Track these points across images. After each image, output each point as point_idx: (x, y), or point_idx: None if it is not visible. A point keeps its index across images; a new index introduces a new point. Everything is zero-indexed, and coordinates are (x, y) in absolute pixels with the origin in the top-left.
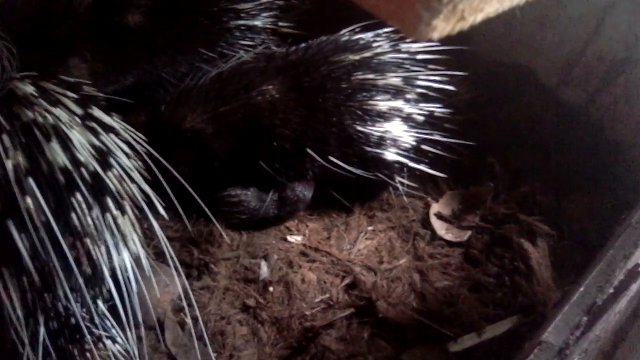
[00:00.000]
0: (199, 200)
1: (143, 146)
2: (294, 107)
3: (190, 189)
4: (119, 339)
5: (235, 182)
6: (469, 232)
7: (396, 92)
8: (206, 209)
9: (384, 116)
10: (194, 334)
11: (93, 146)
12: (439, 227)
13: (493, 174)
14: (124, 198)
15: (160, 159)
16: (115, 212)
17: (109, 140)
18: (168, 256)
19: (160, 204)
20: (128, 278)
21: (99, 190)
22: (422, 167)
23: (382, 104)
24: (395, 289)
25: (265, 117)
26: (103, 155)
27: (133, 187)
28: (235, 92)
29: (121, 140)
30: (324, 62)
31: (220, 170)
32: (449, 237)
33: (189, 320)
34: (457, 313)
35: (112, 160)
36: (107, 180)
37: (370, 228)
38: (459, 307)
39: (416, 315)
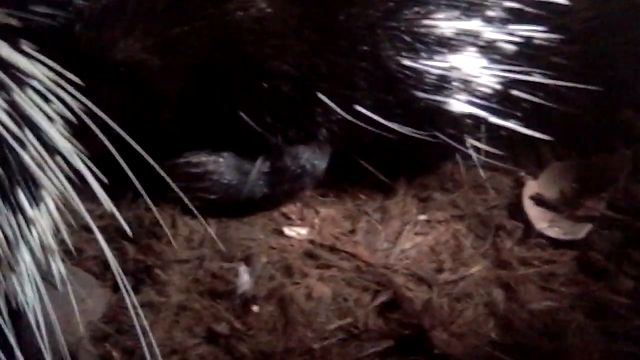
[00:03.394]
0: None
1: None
2: (297, 28)
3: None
4: None
5: (199, 144)
6: (589, 227)
7: (469, 7)
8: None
9: (449, 44)
10: None
11: None
12: (538, 217)
13: (630, 136)
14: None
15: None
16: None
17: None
18: (109, 255)
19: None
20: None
21: None
22: (511, 124)
23: (446, 25)
24: (463, 312)
25: (249, 44)
26: None
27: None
28: (198, 5)
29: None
30: None
31: (174, 125)
32: (554, 233)
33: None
34: (565, 350)
35: None
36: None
37: (422, 217)
38: (568, 341)
39: (497, 352)
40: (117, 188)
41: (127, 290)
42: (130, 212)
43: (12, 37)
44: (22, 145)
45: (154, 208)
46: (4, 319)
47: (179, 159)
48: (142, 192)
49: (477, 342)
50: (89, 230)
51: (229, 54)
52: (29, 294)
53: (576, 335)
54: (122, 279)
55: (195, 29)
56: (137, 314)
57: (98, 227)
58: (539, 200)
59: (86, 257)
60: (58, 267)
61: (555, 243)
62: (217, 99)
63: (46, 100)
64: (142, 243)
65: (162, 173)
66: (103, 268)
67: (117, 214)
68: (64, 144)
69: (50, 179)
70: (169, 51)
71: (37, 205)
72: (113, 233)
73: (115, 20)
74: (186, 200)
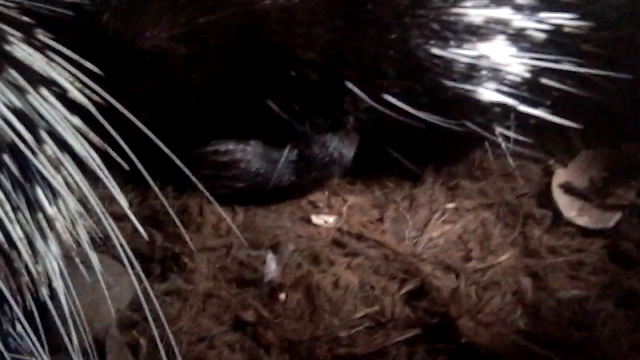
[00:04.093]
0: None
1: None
2: (325, 16)
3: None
4: None
5: (227, 133)
6: (618, 215)
7: None
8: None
9: (478, 32)
10: None
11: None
12: (568, 205)
13: None
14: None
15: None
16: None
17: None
18: (117, 242)
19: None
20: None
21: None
22: (540, 112)
23: (475, 12)
24: (491, 301)
25: (277, 33)
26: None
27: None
28: None
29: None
30: None
31: (202, 113)
32: (583, 221)
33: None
34: (594, 339)
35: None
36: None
37: (450, 205)
38: (597, 330)
39: (524, 342)
40: (145, 176)
41: (135, 272)
42: (158, 199)
43: (27, 28)
44: (37, 146)
45: (163, 199)
46: (26, 310)
47: (206, 147)
48: (153, 184)
49: (505, 331)
50: (117, 217)
51: (257, 42)
52: (55, 285)
53: (605, 324)
54: (130, 261)
55: (222, 18)
56: (164, 302)
57: (125, 215)
58: (568, 189)
59: (114, 245)
60: (85, 256)
61: (584, 232)
62: (245, 88)
63: (61, 98)
64: (169, 231)
65: (182, 165)
66: (133, 256)
67: (131, 215)
68: (78, 144)
69: (65, 178)
70: (196, 40)
71: (57, 200)
72: (141, 221)
73: (143, 9)
74: (205, 192)
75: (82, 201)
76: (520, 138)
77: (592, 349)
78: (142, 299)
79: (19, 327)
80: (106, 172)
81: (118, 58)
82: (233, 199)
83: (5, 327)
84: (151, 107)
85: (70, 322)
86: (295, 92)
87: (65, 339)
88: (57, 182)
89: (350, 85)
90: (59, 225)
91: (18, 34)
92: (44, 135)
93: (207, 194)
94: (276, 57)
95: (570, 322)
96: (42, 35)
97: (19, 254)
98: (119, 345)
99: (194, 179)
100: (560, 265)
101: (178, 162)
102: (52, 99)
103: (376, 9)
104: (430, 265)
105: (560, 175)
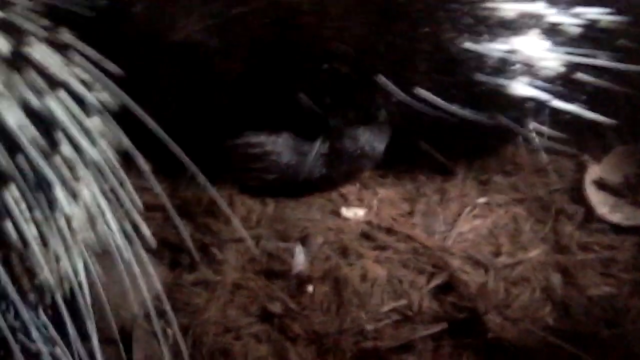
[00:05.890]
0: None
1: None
2: (357, 9)
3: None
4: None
5: (258, 125)
6: None
7: None
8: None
9: (512, 26)
10: (185, 354)
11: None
12: (600, 201)
13: None
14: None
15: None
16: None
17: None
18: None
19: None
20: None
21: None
22: (574, 107)
23: (509, 7)
24: (519, 296)
25: (309, 25)
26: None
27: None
28: None
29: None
30: None
31: (233, 106)
32: (616, 218)
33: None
34: (623, 337)
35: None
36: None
37: (481, 200)
38: (627, 328)
39: (552, 338)
40: (176, 167)
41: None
42: (188, 191)
43: (49, 28)
44: (53, 147)
45: (154, 191)
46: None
47: (238, 139)
48: (145, 170)
49: (532, 327)
50: (147, 207)
51: (288, 35)
52: (80, 280)
53: (635, 322)
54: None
55: (254, 10)
56: (192, 292)
57: (155, 205)
58: (601, 185)
59: (143, 235)
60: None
61: (616, 228)
62: (277, 80)
63: (79, 100)
64: (199, 222)
65: (190, 164)
66: (160, 246)
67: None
68: (92, 148)
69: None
70: (228, 32)
71: (76, 199)
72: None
73: (175, 0)
74: (210, 188)
75: (111, 192)
76: (554, 133)
77: (621, 346)
78: (171, 289)
79: (43, 317)
80: (122, 175)
81: (149, 50)
82: (263, 191)
83: (29, 317)
84: (183, 99)
85: (96, 314)
86: (327, 85)
87: (91, 329)
88: (73, 183)
89: (382, 78)
90: (77, 223)
91: (40, 33)
92: (60, 136)
93: (212, 191)
94: (308, 49)
95: (599, 320)
96: (65, 34)
97: (35, 253)
98: (146, 334)
99: (195, 172)
100: (591, 262)
101: (188, 161)
102: (70, 102)
103: (409, 3)
104: (460, 259)
105: (594, 171)
